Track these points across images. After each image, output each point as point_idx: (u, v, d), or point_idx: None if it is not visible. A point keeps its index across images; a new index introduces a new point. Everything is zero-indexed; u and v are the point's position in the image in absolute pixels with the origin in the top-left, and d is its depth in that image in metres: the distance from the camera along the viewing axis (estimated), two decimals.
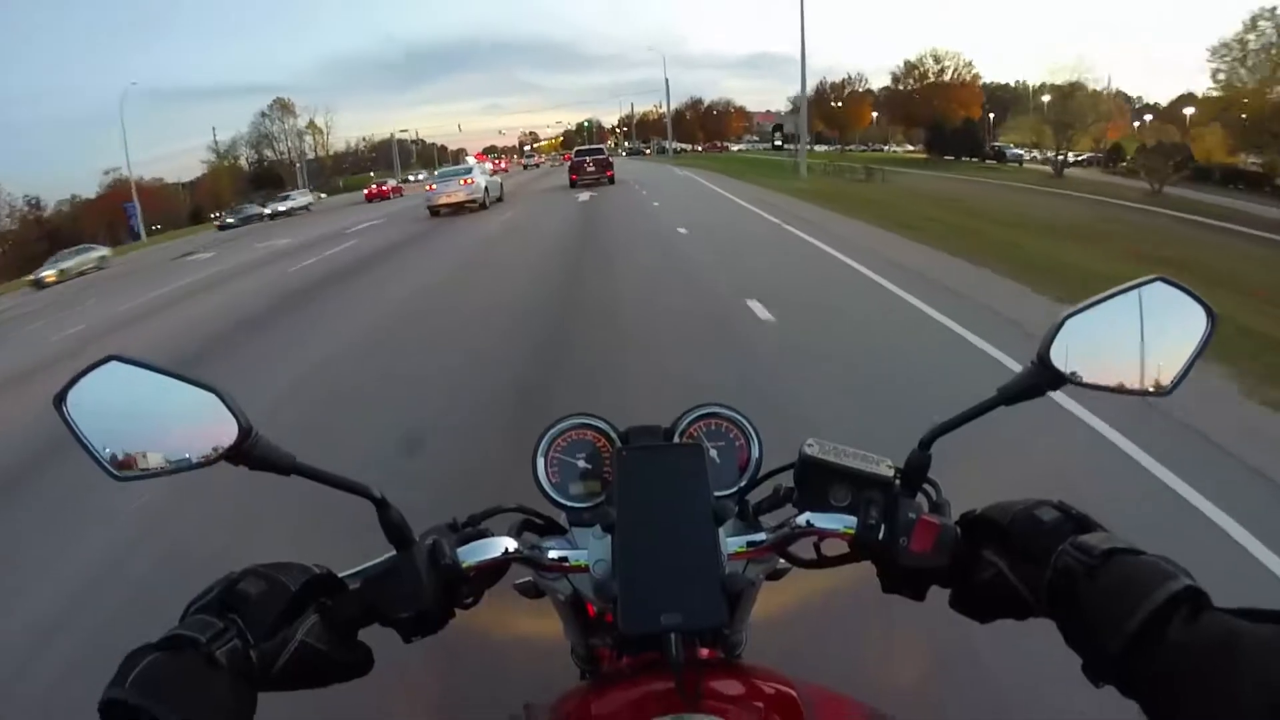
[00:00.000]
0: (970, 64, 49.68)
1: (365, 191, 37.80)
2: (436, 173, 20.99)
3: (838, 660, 1.55)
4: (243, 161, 63.96)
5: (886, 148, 57.54)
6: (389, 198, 36.03)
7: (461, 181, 15.45)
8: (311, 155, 68.08)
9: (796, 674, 0.51)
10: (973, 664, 1.55)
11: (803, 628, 1.46)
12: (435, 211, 15.14)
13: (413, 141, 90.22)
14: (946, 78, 47.89)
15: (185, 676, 0.37)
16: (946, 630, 0.62)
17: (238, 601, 0.42)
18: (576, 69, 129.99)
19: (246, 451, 0.43)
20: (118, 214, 40.82)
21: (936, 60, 48.38)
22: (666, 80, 46.23)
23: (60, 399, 0.42)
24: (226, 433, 0.43)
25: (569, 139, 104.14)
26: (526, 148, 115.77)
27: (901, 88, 49.95)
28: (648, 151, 62.10)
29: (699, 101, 74.36)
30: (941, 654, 1.58)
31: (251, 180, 59.21)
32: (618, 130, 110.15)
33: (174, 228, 42.17)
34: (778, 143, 53.20)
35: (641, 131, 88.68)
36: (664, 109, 79.76)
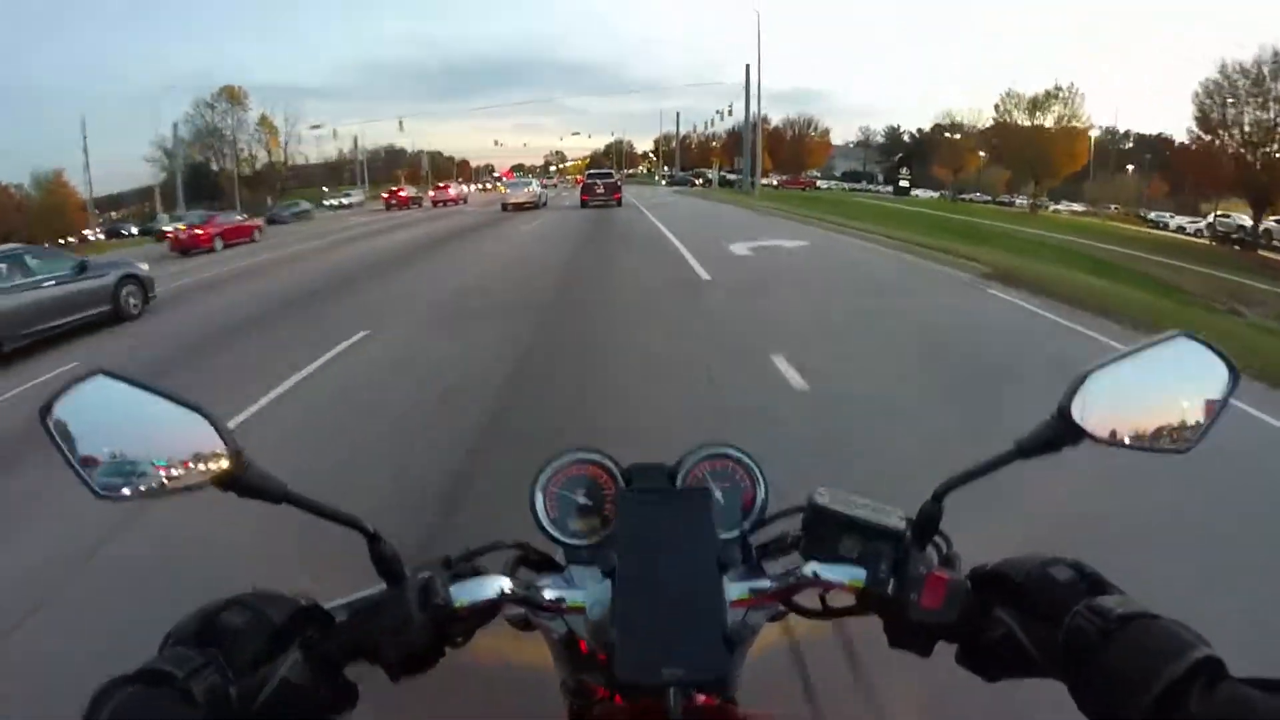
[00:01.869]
0: (1081, 100, 43.32)
1: (384, 195, 38.79)
2: (506, 183, 38.38)
3: (834, 701, 1.74)
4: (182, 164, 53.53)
5: (1017, 199, 52.12)
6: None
7: (525, 190, 27.07)
8: (266, 159, 57.74)
9: (790, 715, 0.54)
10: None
11: (800, 667, 1.61)
12: (505, 207, 25.30)
13: (423, 154, 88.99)
14: (1049, 120, 42.82)
15: (161, 714, 0.39)
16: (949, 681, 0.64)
17: (219, 634, 0.44)
18: (613, 93, 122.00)
19: (236, 478, 0.46)
20: None
21: (1050, 96, 42.73)
22: (747, 73, 38.05)
23: (45, 412, 0.44)
24: (216, 458, 0.46)
25: (596, 161, 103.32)
26: (552, 168, 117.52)
27: (1006, 122, 44.23)
28: (699, 182, 54.18)
29: (763, 120, 67.70)
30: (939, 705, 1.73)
31: (189, 187, 49.99)
32: (652, 156, 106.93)
33: None
34: (903, 183, 45.45)
35: (684, 156, 79.66)
36: (713, 128, 72.30)
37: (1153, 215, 42.47)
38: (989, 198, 52.24)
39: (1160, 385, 0.50)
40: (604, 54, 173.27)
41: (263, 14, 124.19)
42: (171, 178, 52.97)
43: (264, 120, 57.92)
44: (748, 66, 37.44)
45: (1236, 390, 0.49)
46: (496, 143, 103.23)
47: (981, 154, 50.46)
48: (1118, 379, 0.49)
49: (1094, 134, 44.73)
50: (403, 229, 20.26)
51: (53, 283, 7.48)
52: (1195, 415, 0.49)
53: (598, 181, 24.19)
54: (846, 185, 62.17)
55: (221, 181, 52.91)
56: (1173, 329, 0.50)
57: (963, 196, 51.24)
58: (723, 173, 56.57)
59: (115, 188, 52.67)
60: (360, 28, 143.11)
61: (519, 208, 24.54)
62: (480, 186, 75.29)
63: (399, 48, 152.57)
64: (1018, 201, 49.99)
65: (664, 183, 59.13)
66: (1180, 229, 36.42)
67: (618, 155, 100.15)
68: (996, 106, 44.04)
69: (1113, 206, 47.07)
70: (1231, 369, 0.49)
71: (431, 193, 37.74)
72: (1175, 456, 0.50)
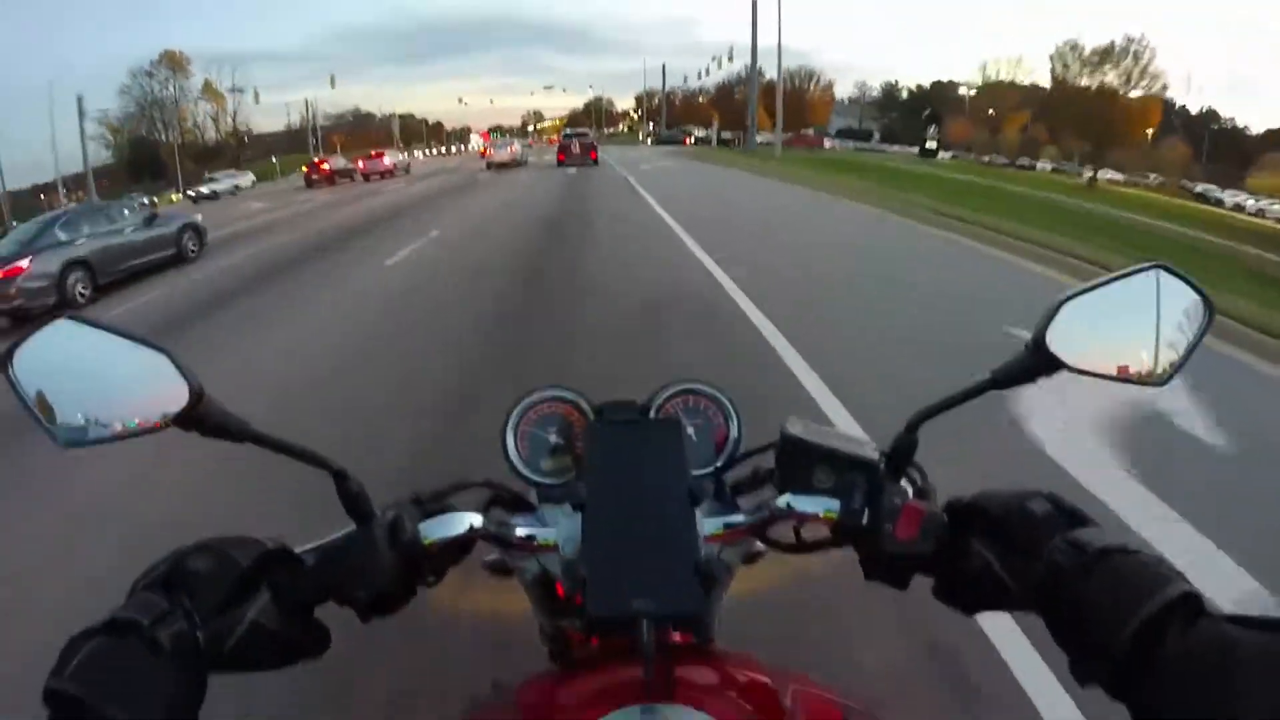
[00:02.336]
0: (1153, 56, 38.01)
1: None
2: (494, 141, 40.25)
3: (814, 645, 1.74)
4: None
5: (1041, 164, 48.77)
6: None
7: (508, 150, 30.97)
8: (215, 130, 55.68)
9: (769, 657, 0.54)
10: (954, 652, 1.70)
11: (778, 610, 1.54)
12: (489, 165, 28.64)
13: (399, 116, 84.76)
14: (1112, 78, 37.75)
15: (128, 663, 0.39)
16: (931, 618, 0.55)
17: (186, 579, 0.44)
18: (589, 51, 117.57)
19: (198, 416, 0.47)
20: None
21: (1120, 51, 37.29)
22: (754, 7, 35.28)
23: (7, 360, 0.45)
24: (177, 396, 0.46)
25: (576, 119, 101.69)
26: (530, 128, 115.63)
27: (1066, 81, 38.63)
28: (688, 140, 51.98)
29: (760, 73, 64.30)
30: (924, 641, 1.72)
31: (131, 165, 49.33)
32: (633, 114, 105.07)
33: None
34: (930, 145, 41.06)
35: (669, 113, 76.22)
36: (703, 80, 71.82)
37: (1199, 189, 39.38)
38: (1018, 162, 49.03)
39: (1135, 315, 0.50)
40: (577, 13, 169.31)
41: None
42: (118, 154, 49.33)
43: (208, 87, 53.91)
44: (754, 2, 34.96)
45: (1211, 324, 0.49)
46: (461, 100, 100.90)
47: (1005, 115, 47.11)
48: (1092, 308, 0.49)
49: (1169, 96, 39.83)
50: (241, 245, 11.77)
51: (131, 230, 9.59)
52: (1169, 346, 0.49)
53: (574, 140, 25.55)
54: (851, 145, 59.51)
55: (165, 156, 49.48)
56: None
57: (997, 161, 47.91)
58: (707, 132, 55.19)
59: (49, 174, 45.56)
60: None
61: (502, 166, 28.24)
62: (441, 150, 71.94)
63: (368, 11, 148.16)
64: (1040, 166, 47.46)
65: (649, 142, 56.53)
66: (1238, 207, 33.90)
67: (597, 113, 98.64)
68: (1052, 59, 38.92)
69: (1151, 176, 43.81)
70: (1206, 300, 0.49)
71: (361, 163, 31.68)
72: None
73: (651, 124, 73.84)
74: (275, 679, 0.50)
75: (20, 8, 78.74)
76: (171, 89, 52.09)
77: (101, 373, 0.46)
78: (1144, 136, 38.55)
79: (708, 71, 56.30)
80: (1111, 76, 36.92)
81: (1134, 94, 35.97)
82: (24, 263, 7.77)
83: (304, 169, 32.93)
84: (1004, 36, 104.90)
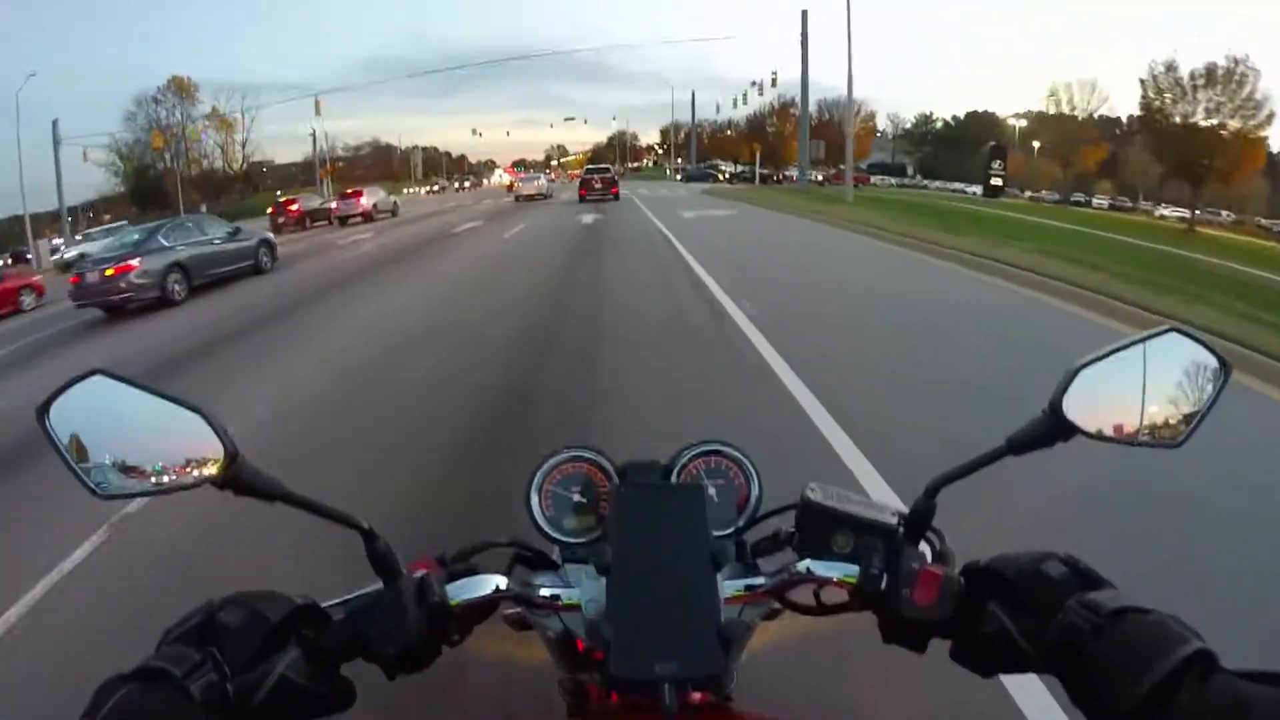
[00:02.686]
0: (1257, 80, 30.53)
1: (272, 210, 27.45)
2: (522, 176, 39.69)
3: (831, 702, 1.75)
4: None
5: (1096, 200, 44.94)
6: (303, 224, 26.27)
7: (534, 184, 31.97)
8: (224, 160, 53.62)
9: (786, 714, 0.57)
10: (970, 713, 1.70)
11: (796, 666, 1.49)
12: (518, 198, 30.73)
13: (420, 149, 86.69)
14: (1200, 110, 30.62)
15: (159, 711, 0.41)
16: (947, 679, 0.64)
17: (216, 632, 0.46)
18: (611, 85, 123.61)
19: (233, 476, 0.48)
20: None
21: (1224, 75, 30.21)
22: (804, 22, 29.05)
23: (43, 411, 0.46)
24: (211, 454, 0.48)
25: (599, 154, 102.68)
26: (552, 161, 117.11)
27: (1158, 111, 31.86)
28: (723, 176, 48.62)
29: (789, 104, 55.57)
30: (939, 701, 1.68)
31: (136, 193, 48.20)
32: (657, 149, 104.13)
33: None
34: (995, 180, 33.30)
35: (698, 149, 72.35)
36: (738, 109, 62.98)
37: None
38: (1072, 198, 44.71)
39: (1151, 379, 0.51)
40: (596, 45, 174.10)
41: (251, 13, 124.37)
42: (128, 182, 47.75)
43: (214, 114, 51.03)
44: (804, 13, 28.56)
45: (1227, 385, 0.50)
46: (476, 132, 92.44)
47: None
48: (1108, 373, 0.51)
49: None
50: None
51: (219, 241, 11.19)
52: (1186, 408, 0.51)
53: (595, 176, 26.10)
54: (892, 181, 55.45)
55: (169, 185, 47.05)
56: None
57: (1047, 198, 43.43)
58: (739, 167, 51.86)
59: (72, 199, 43.86)
60: (352, 24, 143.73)
61: (529, 198, 29.92)
62: (458, 185, 69.64)
63: (390, 43, 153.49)
64: (1095, 203, 43.81)
65: (678, 178, 52.56)
66: None
67: (620, 148, 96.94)
68: (1143, 84, 31.22)
69: (1224, 214, 39.73)
70: (1222, 363, 0.51)
71: (335, 204, 26.72)
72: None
73: (680, 159, 71.32)
74: None
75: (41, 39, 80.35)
76: (179, 115, 50.39)
77: (137, 429, 0.47)
78: (1250, 171, 32.39)
79: (739, 102, 52.19)
80: (1209, 103, 29.90)
81: (1233, 123, 29.51)
82: (135, 261, 9.27)
83: (270, 210, 27.19)
84: (1038, 65, 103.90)
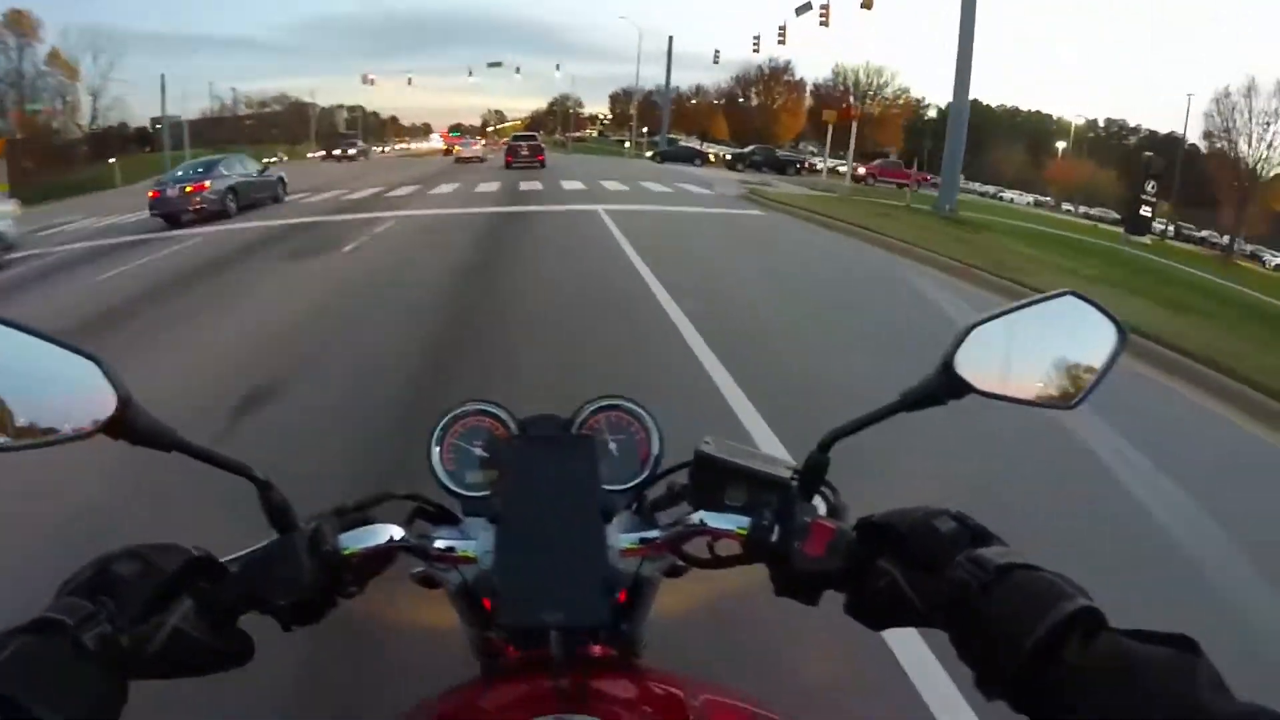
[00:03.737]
0: None
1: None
2: (459, 141, 46.20)
3: (744, 660, 1.85)
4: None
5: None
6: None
7: (472, 145, 39.98)
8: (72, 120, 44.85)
9: (694, 673, 0.60)
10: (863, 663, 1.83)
11: (710, 626, 1.74)
12: (456, 160, 36.98)
13: (347, 108, 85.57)
14: None
15: (52, 663, 0.42)
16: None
17: (110, 583, 0.47)
18: (558, 54, 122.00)
19: (126, 424, 0.49)
20: None
21: None
22: None
23: None
24: (105, 404, 0.48)
25: (539, 121, 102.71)
26: (489, 127, 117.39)
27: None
28: (714, 158, 38.79)
29: (781, 69, 50.57)
30: (836, 654, 1.84)
31: None
32: (604, 118, 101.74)
33: None
34: (1145, 210, 18.55)
35: (646, 118, 61.41)
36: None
37: None
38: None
39: (1046, 341, 0.55)
40: (546, 15, 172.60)
41: None
42: None
43: (56, 58, 41.00)
44: None
45: (1123, 350, 0.54)
46: (410, 82, 75.23)
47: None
48: (1002, 333, 0.54)
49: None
50: None
51: (254, 175, 16.97)
52: (1081, 372, 0.54)
53: (522, 144, 27.97)
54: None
55: None
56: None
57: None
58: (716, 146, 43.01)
59: None
60: None
61: (466, 161, 36.03)
62: (340, 152, 51.78)
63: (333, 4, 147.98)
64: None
65: (648, 155, 40.40)
66: None
67: (563, 115, 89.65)
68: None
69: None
70: (1118, 327, 0.55)
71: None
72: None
73: (647, 132, 56.11)
74: (201, 686, 0.53)
75: None
76: (9, 59, 41.06)
77: (28, 377, 0.48)
78: None
79: (718, 58, 46.79)
80: None
81: None
82: (207, 182, 14.23)
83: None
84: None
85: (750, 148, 38.93)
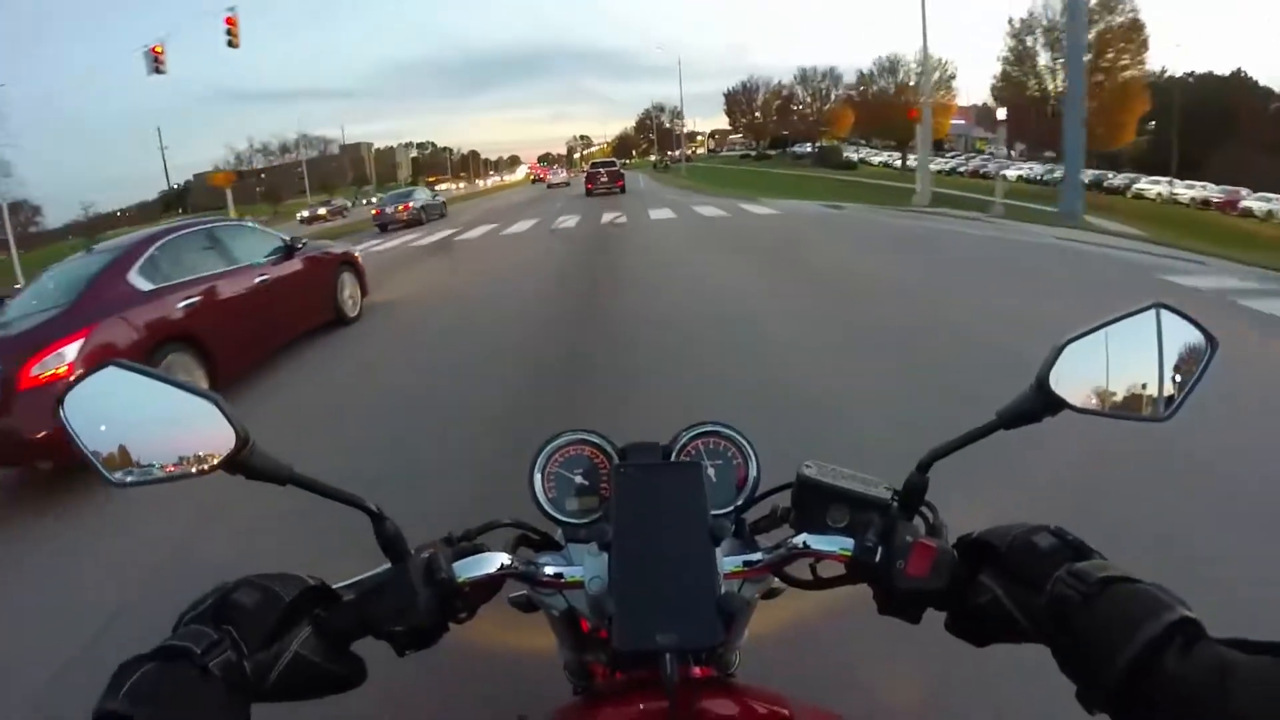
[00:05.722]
0: None
1: None
2: (548, 171, 67.95)
3: (833, 679, 1.86)
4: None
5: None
6: None
7: (559, 176, 57.18)
8: None
9: (790, 692, 0.61)
10: (970, 685, 1.80)
11: (798, 645, 1.74)
12: (549, 186, 49.09)
13: (416, 145, 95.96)
14: None
15: (179, 688, 0.44)
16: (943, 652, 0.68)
17: (232, 612, 0.50)
18: (641, 79, 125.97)
19: (243, 461, 0.52)
20: None
21: None
22: None
23: (59, 403, 0.51)
24: (223, 442, 0.52)
25: (626, 142, 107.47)
26: (575, 154, 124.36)
27: None
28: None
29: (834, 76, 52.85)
30: (938, 674, 1.82)
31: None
32: (708, 137, 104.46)
33: None
34: None
35: (742, 128, 68.64)
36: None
37: None
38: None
39: (1137, 354, 0.55)
40: (625, 41, 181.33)
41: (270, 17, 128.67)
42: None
43: None
44: None
45: (1214, 359, 0.54)
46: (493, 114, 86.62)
47: None
48: (1095, 349, 0.55)
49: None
50: None
51: (431, 198, 29.01)
52: (1172, 383, 0.55)
53: (601, 171, 29.52)
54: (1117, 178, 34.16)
55: None
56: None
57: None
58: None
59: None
60: (375, 26, 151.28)
61: (553, 186, 45.52)
62: (305, 215, 41.35)
63: (411, 44, 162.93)
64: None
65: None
66: None
67: (659, 132, 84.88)
68: None
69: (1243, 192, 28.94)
70: (1209, 337, 0.56)
71: None
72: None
73: (745, 139, 63.52)
74: (309, 710, 0.55)
75: None
76: None
77: (150, 417, 0.51)
78: None
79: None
80: None
81: None
82: (410, 203, 24.49)
83: None
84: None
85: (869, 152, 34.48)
